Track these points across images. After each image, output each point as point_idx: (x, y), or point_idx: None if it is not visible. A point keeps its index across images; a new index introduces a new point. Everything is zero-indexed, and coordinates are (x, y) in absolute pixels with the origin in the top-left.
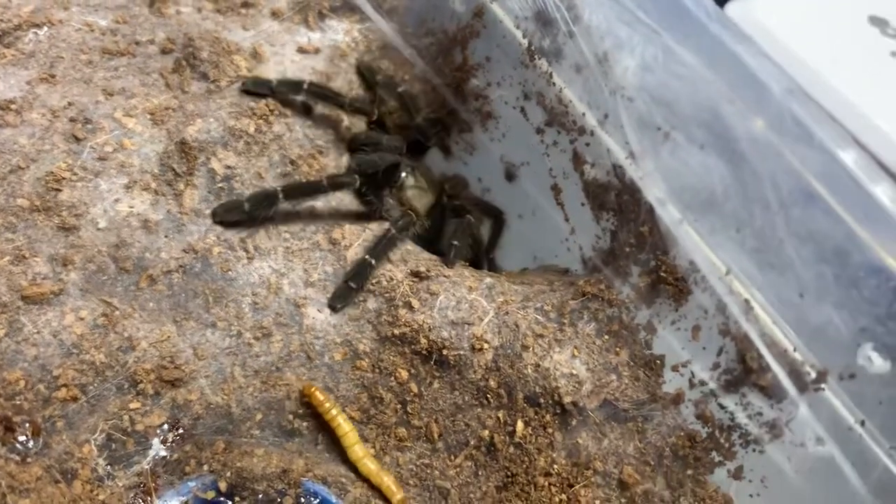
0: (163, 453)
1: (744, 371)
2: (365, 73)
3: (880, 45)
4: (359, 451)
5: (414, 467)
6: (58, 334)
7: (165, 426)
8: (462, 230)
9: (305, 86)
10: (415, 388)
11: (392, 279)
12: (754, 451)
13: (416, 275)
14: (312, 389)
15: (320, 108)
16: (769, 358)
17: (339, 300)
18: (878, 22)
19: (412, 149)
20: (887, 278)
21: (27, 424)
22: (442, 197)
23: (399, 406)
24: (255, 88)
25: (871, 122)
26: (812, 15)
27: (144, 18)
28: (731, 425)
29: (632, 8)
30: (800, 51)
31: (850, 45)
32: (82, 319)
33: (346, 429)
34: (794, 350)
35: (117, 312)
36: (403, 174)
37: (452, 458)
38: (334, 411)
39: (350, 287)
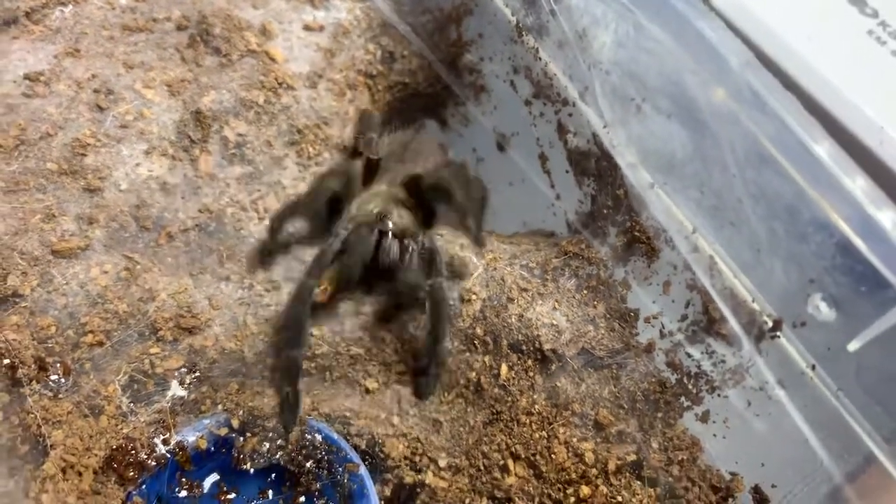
0: (181, 393)
1: (708, 322)
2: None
3: (858, 24)
4: None
5: (413, 399)
6: (84, 286)
7: (183, 369)
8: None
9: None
10: (412, 331)
11: None
12: (718, 395)
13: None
14: None
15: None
16: (730, 309)
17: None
18: (857, 1)
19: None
20: (831, 234)
21: (58, 365)
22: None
23: (399, 346)
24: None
25: (843, 96)
26: None
27: None
28: (698, 372)
29: None
30: (779, 29)
31: (829, 24)
32: (106, 273)
33: None
34: (753, 301)
35: (138, 266)
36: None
37: (445, 394)
38: None
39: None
